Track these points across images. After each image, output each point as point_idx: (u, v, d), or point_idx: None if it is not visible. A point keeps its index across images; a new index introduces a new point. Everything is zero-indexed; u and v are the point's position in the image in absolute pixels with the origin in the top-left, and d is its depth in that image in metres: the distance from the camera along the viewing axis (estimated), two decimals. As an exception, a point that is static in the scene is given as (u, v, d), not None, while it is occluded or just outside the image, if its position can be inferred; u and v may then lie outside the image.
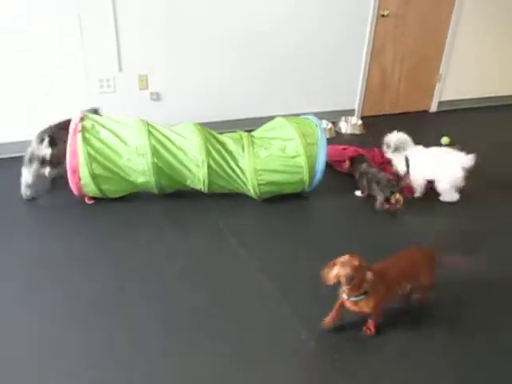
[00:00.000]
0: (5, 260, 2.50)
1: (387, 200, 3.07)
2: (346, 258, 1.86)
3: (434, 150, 3.36)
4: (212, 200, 3.20)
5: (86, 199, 3.08)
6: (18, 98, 3.63)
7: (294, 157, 3.06)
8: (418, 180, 3.29)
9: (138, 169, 2.91)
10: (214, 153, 2.99)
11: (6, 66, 3.51)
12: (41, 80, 3.65)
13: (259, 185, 3.05)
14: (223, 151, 3.03)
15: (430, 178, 3.29)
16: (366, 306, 1.96)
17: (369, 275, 1.86)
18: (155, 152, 2.90)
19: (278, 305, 2.26)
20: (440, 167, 3.22)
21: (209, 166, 2.96)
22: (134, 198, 3.18)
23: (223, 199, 3.22)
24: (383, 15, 4.75)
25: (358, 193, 3.38)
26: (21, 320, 2.11)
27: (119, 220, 2.95)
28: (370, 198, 3.24)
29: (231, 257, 2.62)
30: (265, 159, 3.03)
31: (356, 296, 1.92)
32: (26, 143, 3.68)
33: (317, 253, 2.66)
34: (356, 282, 1.84)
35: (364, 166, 3.34)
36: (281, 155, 3.06)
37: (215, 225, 2.94)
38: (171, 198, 3.19)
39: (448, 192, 3.27)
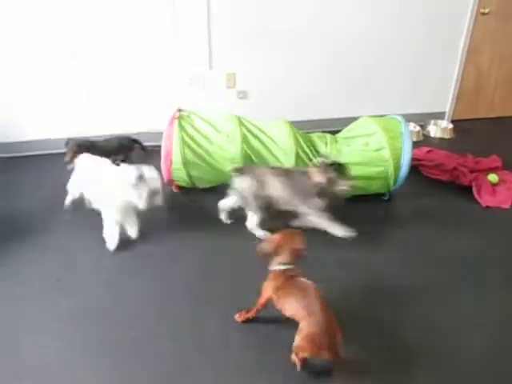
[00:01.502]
0: (95, 254, 2.62)
1: None
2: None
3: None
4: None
5: (173, 187, 3.20)
6: (111, 94, 3.85)
7: (377, 150, 3.02)
8: None
9: (228, 155, 3.00)
10: (301, 142, 3.07)
11: (103, 63, 3.74)
12: (135, 78, 3.85)
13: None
14: (309, 144, 3.11)
15: None
16: None
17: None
18: (245, 139, 3.01)
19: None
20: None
21: (296, 155, 3.00)
22: (218, 193, 3.23)
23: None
24: (483, 13, 4.46)
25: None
26: (114, 305, 2.23)
27: (202, 214, 3.01)
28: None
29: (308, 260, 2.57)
30: (347, 154, 3.05)
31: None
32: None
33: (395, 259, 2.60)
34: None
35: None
36: (364, 149, 3.06)
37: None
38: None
39: None
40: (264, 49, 4.05)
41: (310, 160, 3.05)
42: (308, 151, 3.06)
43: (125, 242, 2.67)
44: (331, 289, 2.14)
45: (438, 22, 4.40)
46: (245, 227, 2.79)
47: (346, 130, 3.37)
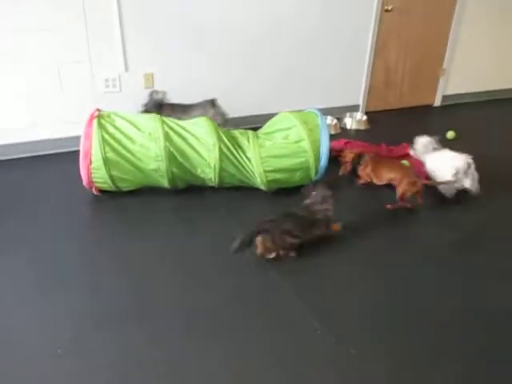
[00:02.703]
0: (10, 262, 2.50)
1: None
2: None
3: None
4: (221, 197, 3.21)
5: (93, 189, 3.08)
6: (23, 97, 3.64)
7: (297, 141, 3.14)
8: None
9: (150, 154, 2.97)
10: (224, 138, 3.10)
11: (13, 65, 3.52)
12: (47, 80, 3.65)
13: (265, 171, 3.10)
14: (232, 140, 3.15)
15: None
16: None
17: None
18: (167, 137, 2.99)
19: (292, 300, 2.27)
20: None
21: (220, 150, 3.03)
22: (144, 195, 3.19)
23: (232, 196, 3.23)
24: (387, 10, 4.75)
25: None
26: (29, 324, 2.11)
27: (127, 218, 2.97)
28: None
29: (241, 254, 2.61)
30: (269, 147, 3.14)
31: None
32: (33, 143, 3.75)
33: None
34: None
35: None
36: (284, 141, 3.17)
37: (225, 222, 2.94)
38: (181, 195, 3.20)
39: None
40: (181, 47, 4.03)
41: (233, 155, 3.09)
42: (231, 146, 3.09)
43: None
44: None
45: (346, 20, 4.63)
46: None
47: (266, 125, 3.45)
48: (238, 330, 2.08)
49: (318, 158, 3.15)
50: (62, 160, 3.72)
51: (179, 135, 3.04)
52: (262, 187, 3.19)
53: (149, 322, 2.10)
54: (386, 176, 3.21)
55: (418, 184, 3.02)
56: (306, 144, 3.11)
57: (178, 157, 3.02)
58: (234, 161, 3.10)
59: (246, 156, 3.12)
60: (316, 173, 3.21)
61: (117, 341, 1.99)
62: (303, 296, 2.28)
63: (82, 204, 3.10)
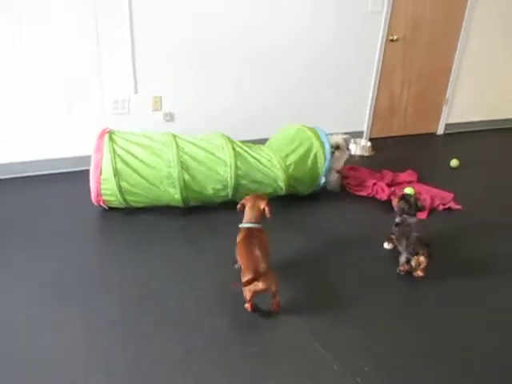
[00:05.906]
0: (17, 280, 2.49)
1: (407, 261, 2.61)
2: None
3: None
4: (227, 218, 3.16)
5: (101, 203, 3.08)
6: (33, 117, 3.67)
7: (298, 130, 3.58)
8: None
9: (162, 160, 3.04)
10: (234, 140, 3.33)
11: (24, 86, 3.56)
12: (57, 101, 3.69)
13: (282, 157, 3.34)
14: (243, 144, 3.37)
15: None
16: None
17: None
18: (180, 147, 3.13)
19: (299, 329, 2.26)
20: None
21: (233, 148, 3.22)
22: (151, 214, 3.20)
23: (238, 218, 3.23)
24: (392, 40, 4.84)
25: (386, 244, 2.95)
26: (41, 340, 2.09)
27: (135, 237, 2.96)
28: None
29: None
30: (276, 142, 3.59)
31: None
32: (43, 162, 3.77)
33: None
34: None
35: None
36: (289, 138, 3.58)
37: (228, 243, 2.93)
38: (187, 216, 3.21)
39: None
40: (189, 71, 4.09)
41: (247, 152, 3.27)
42: (243, 146, 3.31)
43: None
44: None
45: (352, 48, 4.70)
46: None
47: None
48: (247, 355, 2.05)
49: (321, 142, 3.45)
50: (68, 179, 3.73)
51: (191, 143, 3.18)
52: (280, 175, 3.28)
53: (151, 346, 2.07)
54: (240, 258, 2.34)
55: (257, 283, 2.12)
56: (306, 129, 3.54)
57: (191, 161, 3.09)
58: (249, 157, 3.25)
59: (260, 150, 3.36)
60: (325, 158, 3.43)
61: (122, 358, 1.97)
62: (315, 331, 2.27)
63: (89, 223, 3.10)
